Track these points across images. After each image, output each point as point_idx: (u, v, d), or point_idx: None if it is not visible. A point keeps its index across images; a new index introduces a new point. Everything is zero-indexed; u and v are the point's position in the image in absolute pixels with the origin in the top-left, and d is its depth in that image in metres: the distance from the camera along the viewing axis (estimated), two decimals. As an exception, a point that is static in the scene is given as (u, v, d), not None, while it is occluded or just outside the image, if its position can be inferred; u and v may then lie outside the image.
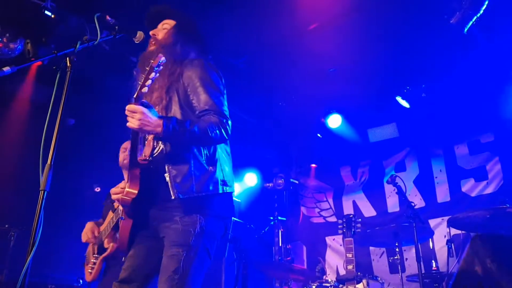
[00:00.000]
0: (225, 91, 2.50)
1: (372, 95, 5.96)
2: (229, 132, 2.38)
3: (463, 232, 4.36)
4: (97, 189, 6.08)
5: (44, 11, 4.12)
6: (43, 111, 2.18)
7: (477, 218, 3.71)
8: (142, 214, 2.37)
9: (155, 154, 2.37)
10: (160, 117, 2.20)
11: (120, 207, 2.50)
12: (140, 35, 2.47)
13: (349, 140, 6.55)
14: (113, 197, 2.46)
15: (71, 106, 2.31)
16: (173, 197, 2.24)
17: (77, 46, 2.21)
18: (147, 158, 2.33)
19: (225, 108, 2.43)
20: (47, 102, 2.14)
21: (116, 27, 2.39)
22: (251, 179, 6.81)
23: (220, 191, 2.36)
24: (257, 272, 5.12)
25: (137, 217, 2.36)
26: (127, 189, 2.27)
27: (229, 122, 2.39)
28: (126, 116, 2.20)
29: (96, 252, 3.81)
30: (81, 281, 4.60)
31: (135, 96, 2.19)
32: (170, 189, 2.26)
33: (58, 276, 4.81)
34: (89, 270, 3.81)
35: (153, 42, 2.55)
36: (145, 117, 2.15)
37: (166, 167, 2.31)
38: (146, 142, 2.41)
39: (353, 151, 6.60)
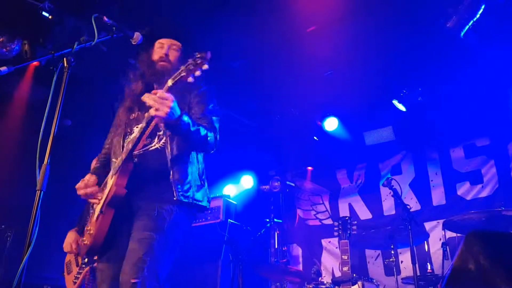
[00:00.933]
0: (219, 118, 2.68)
1: (368, 98, 5.97)
2: (217, 145, 2.55)
3: (458, 235, 4.38)
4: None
5: (42, 12, 4.12)
6: (40, 111, 2.18)
7: (472, 221, 3.73)
8: (124, 207, 2.39)
9: (144, 151, 2.47)
10: (181, 109, 2.26)
11: (95, 205, 2.46)
12: (137, 36, 2.48)
13: (345, 143, 6.56)
14: (81, 192, 2.47)
15: (68, 107, 2.32)
16: (175, 198, 2.37)
17: (75, 46, 2.22)
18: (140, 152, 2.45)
19: (217, 126, 2.60)
20: (44, 103, 2.15)
21: (114, 28, 2.40)
22: (247, 181, 6.82)
23: (206, 205, 2.57)
24: (252, 274, 5.12)
25: (118, 209, 2.38)
26: (117, 181, 2.32)
27: (218, 137, 2.55)
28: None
29: (80, 263, 3.81)
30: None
31: (170, 84, 2.20)
32: (174, 190, 2.38)
33: (53, 277, 4.80)
34: (74, 280, 3.81)
35: (165, 59, 2.64)
36: (174, 106, 2.17)
37: (170, 169, 2.42)
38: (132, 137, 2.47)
39: (349, 154, 6.61)
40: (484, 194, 5.39)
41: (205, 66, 2.15)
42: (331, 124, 6.32)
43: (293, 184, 6.40)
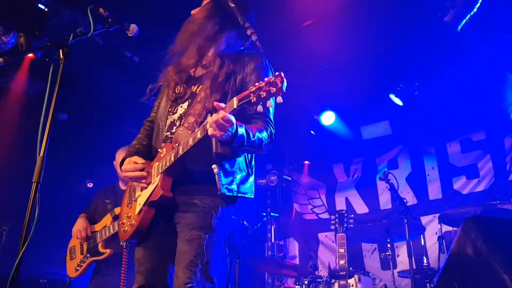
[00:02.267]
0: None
1: (365, 93, 5.98)
2: (271, 141, 2.29)
3: (454, 229, 4.40)
4: (90, 185, 6.07)
5: (38, 4, 4.09)
6: (36, 104, 2.17)
7: (468, 214, 3.74)
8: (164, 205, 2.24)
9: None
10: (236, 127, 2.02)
11: (137, 190, 2.36)
12: (133, 28, 2.46)
13: (342, 137, 6.57)
14: (127, 174, 2.32)
15: (64, 101, 2.30)
16: (219, 192, 2.13)
17: (70, 38, 2.20)
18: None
19: (272, 114, 2.35)
20: (40, 96, 2.13)
21: (110, 20, 2.38)
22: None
23: (251, 197, 2.32)
24: (249, 268, 5.14)
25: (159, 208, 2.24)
26: (164, 185, 2.19)
27: (273, 130, 2.30)
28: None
29: (85, 251, 3.81)
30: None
31: (235, 106, 1.94)
32: (217, 183, 2.14)
33: (50, 271, 4.79)
34: (76, 267, 3.80)
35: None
36: (232, 128, 1.96)
37: (214, 159, 2.17)
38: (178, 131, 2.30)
39: (346, 148, 6.62)
40: (480, 188, 5.41)
41: (279, 100, 1.90)
42: (328, 118, 6.32)
43: (290, 178, 6.43)
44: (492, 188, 5.26)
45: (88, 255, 3.78)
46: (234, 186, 2.20)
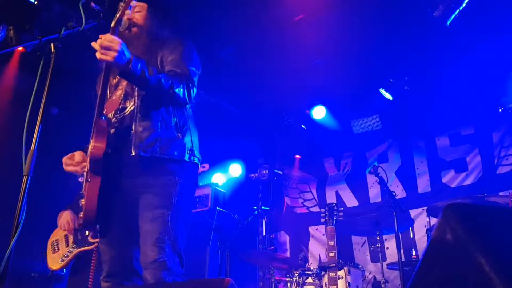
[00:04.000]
0: (199, 71, 2.52)
1: (356, 87, 6.02)
2: (192, 97, 2.39)
3: (442, 221, 4.45)
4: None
5: (27, -3, 4.06)
6: (26, 98, 2.17)
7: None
8: (109, 174, 2.26)
9: (122, 115, 2.37)
10: (130, 53, 2.14)
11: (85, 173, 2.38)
12: (125, 23, 2.46)
13: (333, 131, 6.62)
14: (68, 168, 2.42)
15: (54, 95, 2.30)
16: (133, 153, 2.22)
17: (62, 32, 2.21)
18: (111, 119, 2.36)
19: (195, 79, 2.43)
20: (31, 90, 2.13)
21: (101, 14, 2.38)
22: (235, 169, 6.85)
23: (186, 159, 2.37)
24: (240, 261, 5.18)
25: (104, 177, 2.24)
26: (94, 144, 2.21)
27: (195, 89, 2.40)
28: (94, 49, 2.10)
29: (71, 243, 3.82)
30: (64, 269, 4.59)
31: (112, 25, 2.16)
32: (132, 146, 2.23)
33: (40, 265, 4.79)
34: (61, 259, 3.81)
35: (132, 27, 2.53)
36: (122, 50, 2.07)
37: (133, 126, 2.28)
38: (111, 99, 2.42)
39: (337, 143, 6.67)
40: (468, 181, 5.49)
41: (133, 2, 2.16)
42: (319, 112, 6.36)
43: (281, 172, 6.45)
44: (480, 182, 5.34)
45: (75, 246, 3.79)
46: (156, 148, 2.26)
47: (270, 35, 5.36)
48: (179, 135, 2.38)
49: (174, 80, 2.28)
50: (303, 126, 6.81)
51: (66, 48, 2.26)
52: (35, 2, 4.04)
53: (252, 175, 6.32)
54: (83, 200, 2.28)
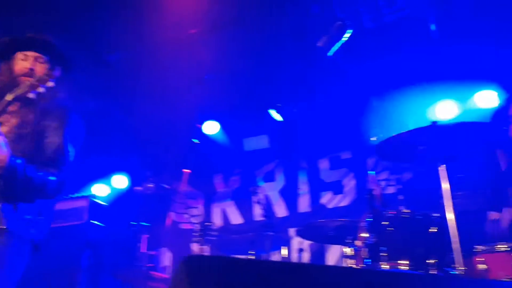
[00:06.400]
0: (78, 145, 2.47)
1: (248, 106, 6.14)
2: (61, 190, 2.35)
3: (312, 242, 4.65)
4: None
5: None
6: None
7: (325, 227, 3.95)
8: None
9: None
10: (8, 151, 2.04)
11: None
12: None
13: (224, 148, 6.64)
14: None
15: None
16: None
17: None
18: None
19: (69, 164, 2.38)
20: None
21: None
22: (121, 181, 6.56)
23: None
24: (113, 279, 4.90)
25: None
26: None
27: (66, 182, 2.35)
28: None
29: None
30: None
31: (10, 99, 2.08)
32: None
33: None
34: None
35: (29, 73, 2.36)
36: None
37: None
38: None
39: (227, 159, 6.70)
40: (343, 203, 5.82)
41: (50, 84, 2.11)
42: (211, 128, 6.35)
43: (168, 186, 6.29)
44: (354, 204, 5.69)
45: None
46: None
47: (163, 44, 5.30)
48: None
49: (49, 181, 2.25)
50: (195, 140, 6.74)
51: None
52: None
53: (137, 188, 6.07)
54: None
